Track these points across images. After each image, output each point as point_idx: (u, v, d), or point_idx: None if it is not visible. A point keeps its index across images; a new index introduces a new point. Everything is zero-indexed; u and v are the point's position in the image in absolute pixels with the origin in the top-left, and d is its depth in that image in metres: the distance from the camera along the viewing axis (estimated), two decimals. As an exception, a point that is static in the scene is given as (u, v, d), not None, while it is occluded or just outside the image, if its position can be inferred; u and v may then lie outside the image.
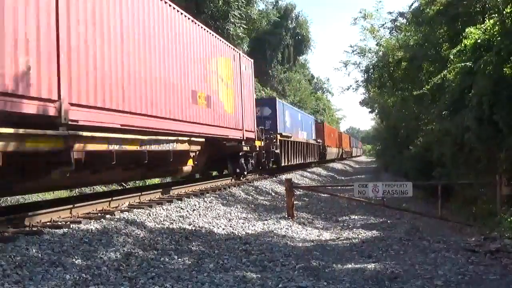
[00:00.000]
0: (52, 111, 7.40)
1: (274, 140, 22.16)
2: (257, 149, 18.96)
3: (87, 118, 8.23)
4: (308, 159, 32.72)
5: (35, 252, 6.24)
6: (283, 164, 24.68)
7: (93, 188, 15.94)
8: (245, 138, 17.17)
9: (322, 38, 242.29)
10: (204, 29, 13.98)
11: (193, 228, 9.33)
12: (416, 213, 12.78)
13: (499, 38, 9.84)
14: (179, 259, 7.00)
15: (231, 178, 18.00)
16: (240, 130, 16.90)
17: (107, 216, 8.86)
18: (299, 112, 32.85)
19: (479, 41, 10.81)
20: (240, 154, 17.41)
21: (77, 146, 7.93)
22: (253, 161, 19.18)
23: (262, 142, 20.02)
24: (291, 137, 26.04)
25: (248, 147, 17.75)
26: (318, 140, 37.54)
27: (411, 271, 6.42)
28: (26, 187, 8.84)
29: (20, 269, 5.65)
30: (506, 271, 6.30)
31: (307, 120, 34.93)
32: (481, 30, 11.04)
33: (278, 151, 22.72)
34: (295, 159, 27.97)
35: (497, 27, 10.19)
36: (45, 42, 7.22)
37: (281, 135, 23.52)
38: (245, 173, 18.50)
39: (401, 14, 21.88)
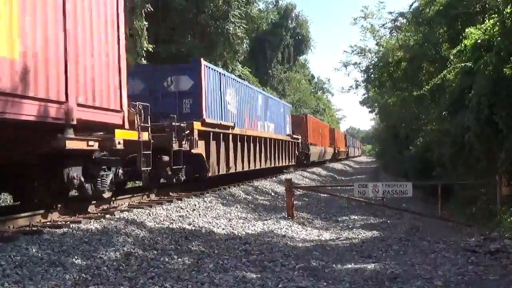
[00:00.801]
0: None
1: (186, 133, 12.34)
2: (119, 146, 9.03)
3: None
4: (277, 161, 23.02)
5: (35, 252, 6.24)
6: (211, 174, 14.31)
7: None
8: (74, 120, 7.82)
9: (322, 38, 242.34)
10: None
11: (193, 228, 9.34)
12: (416, 213, 12.79)
13: (499, 38, 9.84)
14: (179, 259, 7.00)
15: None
16: (57, 103, 7.48)
17: (107, 216, 8.86)
18: (259, 93, 21.95)
19: (479, 41, 10.82)
20: (90, 158, 8.93)
21: None
22: (122, 172, 10.13)
23: (148, 134, 10.36)
24: (232, 127, 16.03)
25: (96, 144, 8.60)
26: (296, 136, 28.22)
27: (411, 271, 6.42)
28: None
29: (20, 269, 5.65)
30: (506, 271, 6.30)
31: (276, 107, 24.70)
32: (481, 30, 11.04)
33: (198, 151, 13.18)
34: (245, 164, 17.79)
35: (497, 27, 10.19)
36: None
37: (204, 123, 13.55)
38: (105, 196, 9.75)
39: (401, 14, 21.89)
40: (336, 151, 49.07)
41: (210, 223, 10.15)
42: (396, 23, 22.55)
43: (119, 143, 9.09)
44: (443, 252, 7.74)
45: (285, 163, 25.54)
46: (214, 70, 16.00)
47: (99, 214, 9.19)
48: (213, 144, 14.62)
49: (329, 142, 44.42)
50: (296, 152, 28.47)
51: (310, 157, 31.95)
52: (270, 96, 25.41)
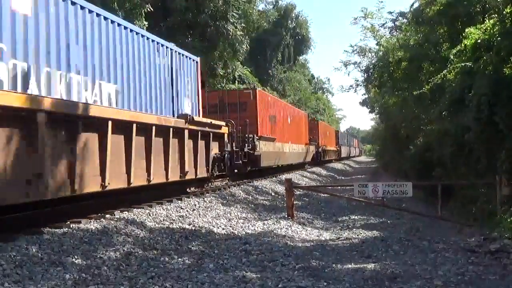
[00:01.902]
0: None
1: None
2: None
3: None
4: (134, 176, 9.43)
5: (35, 252, 6.24)
6: None
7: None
8: None
9: (322, 38, 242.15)
10: None
11: (193, 228, 9.34)
12: (416, 213, 12.79)
13: (499, 38, 9.85)
14: (179, 259, 7.00)
15: None
16: None
17: (107, 215, 8.87)
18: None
19: (479, 41, 10.81)
20: None
21: None
22: None
23: None
24: None
25: None
26: (211, 123, 14.09)
27: (411, 271, 6.42)
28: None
29: (20, 269, 5.65)
30: (506, 271, 6.30)
31: (141, 50, 10.66)
32: (481, 30, 11.05)
33: None
34: None
35: (497, 27, 10.19)
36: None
37: None
38: None
39: (402, 14, 21.92)
40: (319, 150, 37.52)
41: (210, 223, 10.15)
42: (396, 23, 22.59)
43: None
44: (443, 252, 7.74)
45: (173, 176, 11.42)
46: None
47: (99, 214, 9.19)
48: None
49: (307, 138, 32.73)
50: (214, 153, 14.33)
51: (261, 160, 19.30)
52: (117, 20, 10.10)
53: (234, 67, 28.82)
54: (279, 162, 24.29)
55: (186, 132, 12.07)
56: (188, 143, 12.24)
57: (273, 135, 22.47)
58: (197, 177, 12.98)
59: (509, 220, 8.61)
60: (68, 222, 8.04)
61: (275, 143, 22.69)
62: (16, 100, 6.50)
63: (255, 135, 18.94)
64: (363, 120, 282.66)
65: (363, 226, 11.70)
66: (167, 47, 12.13)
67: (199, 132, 12.99)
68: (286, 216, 12.00)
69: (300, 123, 31.59)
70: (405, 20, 21.67)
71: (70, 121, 7.71)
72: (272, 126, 22.62)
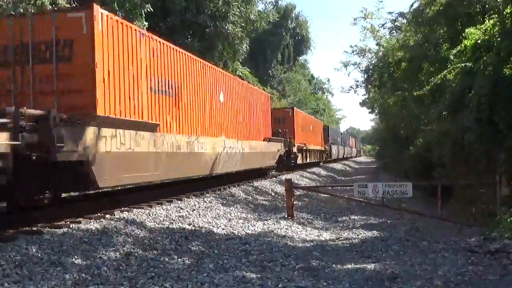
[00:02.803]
0: None
1: None
2: None
3: None
4: None
5: (35, 252, 6.25)
6: None
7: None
8: None
9: (322, 38, 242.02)
10: None
11: (193, 228, 9.34)
12: (416, 213, 12.79)
13: (499, 39, 9.85)
14: (179, 259, 7.00)
15: None
16: None
17: (107, 216, 8.87)
18: None
19: (479, 41, 10.81)
20: None
21: None
22: None
23: None
24: None
25: None
26: None
27: (410, 272, 6.42)
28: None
29: (20, 269, 5.65)
30: (505, 271, 6.30)
31: None
32: (481, 31, 11.04)
33: None
34: None
35: (497, 28, 10.19)
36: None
37: None
38: None
39: (401, 14, 21.93)
40: (293, 150, 26.41)
41: (210, 223, 10.15)
42: (396, 23, 22.60)
43: None
44: (443, 252, 7.74)
45: None
46: None
47: (99, 214, 9.19)
48: None
49: (268, 131, 22.28)
50: None
51: (101, 172, 8.31)
52: None
53: (234, 67, 28.80)
54: (184, 173, 12.72)
55: None
56: None
57: (162, 117, 11.28)
58: None
59: (509, 220, 8.60)
60: (68, 222, 8.05)
61: (162, 136, 11.03)
62: None
63: (54, 115, 7.44)
64: (363, 120, 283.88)
65: (363, 226, 11.69)
66: None
67: None
68: (286, 216, 12.00)
69: (254, 107, 19.87)
70: (404, 21, 21.67)
71: None
72: (158, 100, 11.20)
